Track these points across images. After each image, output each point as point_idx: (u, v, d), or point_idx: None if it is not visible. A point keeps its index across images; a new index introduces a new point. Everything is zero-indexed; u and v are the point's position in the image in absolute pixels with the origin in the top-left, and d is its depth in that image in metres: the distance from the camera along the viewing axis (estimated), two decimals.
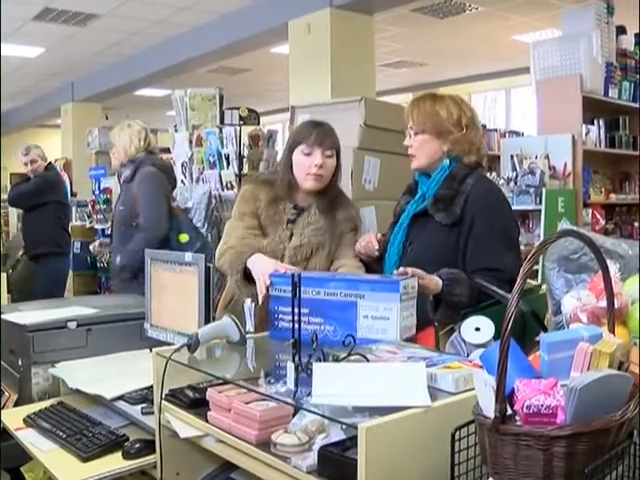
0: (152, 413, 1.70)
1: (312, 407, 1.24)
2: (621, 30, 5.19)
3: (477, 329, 1.63)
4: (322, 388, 1.24)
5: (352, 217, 2.35)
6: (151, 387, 1.73)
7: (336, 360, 1.40)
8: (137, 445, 1.74)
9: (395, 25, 7.62)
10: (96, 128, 7.86)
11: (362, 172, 2.95)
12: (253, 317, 1.93)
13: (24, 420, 2.00)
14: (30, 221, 5.35)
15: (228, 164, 4.63)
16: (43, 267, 5.22)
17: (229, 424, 1.40)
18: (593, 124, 5.03)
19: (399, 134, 2.23)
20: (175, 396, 1.59)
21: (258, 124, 4.89)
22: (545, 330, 1.67)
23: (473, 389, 1.10)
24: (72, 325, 2.31)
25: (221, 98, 5.04)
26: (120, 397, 1.92)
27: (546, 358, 1.07)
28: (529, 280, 2.14)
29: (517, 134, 7.80)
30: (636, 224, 5.37)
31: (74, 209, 6.51)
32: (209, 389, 1.50)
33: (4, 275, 5.61)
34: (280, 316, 1.82)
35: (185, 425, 1.53)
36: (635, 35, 5.34)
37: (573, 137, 4.72)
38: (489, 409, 1.00)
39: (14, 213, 8.75)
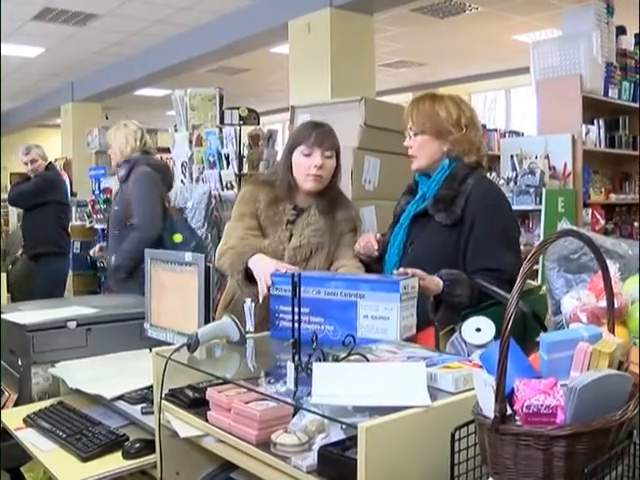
0: (152, 413, 1.70)
1: (312, 407, 1.24)
2: (621, 30, 5.20)
3: (478, 329, 1.63)
4: (322, 388, 1.25)
5: (352, 218, 2.35)
6: (151, 387, 1.73)
7: (336, 360, 1.40)
8: (137, 445, 1.74)
9: (395, 25, 7.63)
10: (96, 128, 7.87)
11: (362, 172, 2.95)
12: (253, 317, 1.93)
13: (24, 420, 2.00)
14: (30, 221, 5.35)
15: (228, 164, 4.63)
16: (43, 267, 5.22)
17: (229, 424, 1.40)
18: (593, 124, 5.04)
19: (399, 134, 2.23)
20: (175, 396, 1.59)
21: (258, 124, 4.89)
22: (545, 331, 1.67)
23: (473, 389, 1.10)
24: (72, 325, 2.31)
25: (221, 98, 5.04)
26: (120, 397, 1.92)
27: (546, 358, 1.07)
28: (529, 281, 2.14)
29: (517, 134, 7.80)
30: (636, 224, 5.37)
31: (74, 209, 6.52)
32: (209, 389, 1.50)
33: (4, 275, 5.62)
34: (281, 315, 1.82)
35: (185, 425, 1.53)
36: (635, 35, 5.35)
37: (573, 137, 4.72)
38: (489, 409, 1.00)
39: (14, 213, 8.76)
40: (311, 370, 1.30)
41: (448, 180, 2.06)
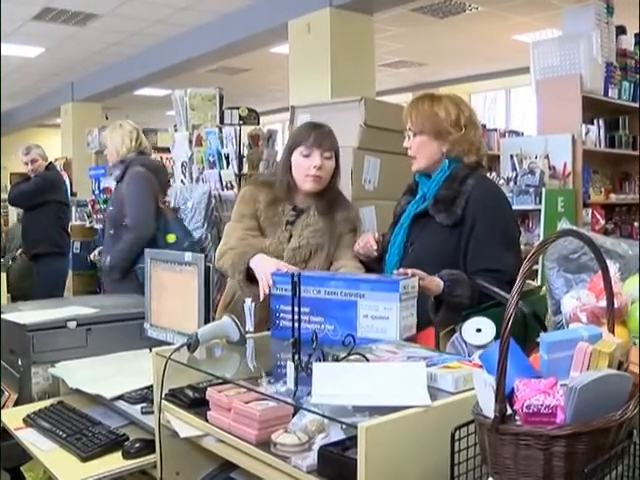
0: (152, 413, 1.70)
1: (312, 407, 1.24)
2: (621, 30, 5.19)
3: (478, 330, 1.63)
4: (322, 388, 1.25)
5: (351, 218, 2.35)
6: (151, 387, 1.73)
7: (336, 360, 1.40)
8: (137, 445, 1.74)
9: (395, 25, 7.62)
10: (96, 128, 7.85)
11: (362, 172, 2.95)
12: (253, 317, 1.93)
13: (24, 420, 2.00)
14: (30, 220, 5.35)
15: (228, 164, 4.63)
16: (43, 267, 5.22)
17: (229, 424, 1.40)
18: (593, 124, 5.03)
19: (399, 134, 2.23)
20: (175, 396, 1.59)
21: (258, 124, 4.89)
22: (546, 332, 1.67)
23: (473, 389, 1.10)
24: (72, 325, 2.31)
25: (221, 98, 5.04)
26: (120, 397, 1.93)
27: (546, 358, 1.07)
28: (530, 282, 2.14)
29: (517, 134, 7.81)
30: (636, 224, 5.37)
31: (74, 209, 6.52)
32: (209, 389, 1.50)
33: (4, 274, 5.62)
34: (281, 315, 1.83)
35: (185, 425, 1.53)
36: (635, 35, 5.34)
37: (573, 137, 4.72)
38: (489, 409, 1.00)
39: (14, 213, 8.75)
40: (311, 370, 1.30)
41: (448, 180, 2.06)
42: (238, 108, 4.71)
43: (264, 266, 2.02)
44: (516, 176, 4.70)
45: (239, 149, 4.61)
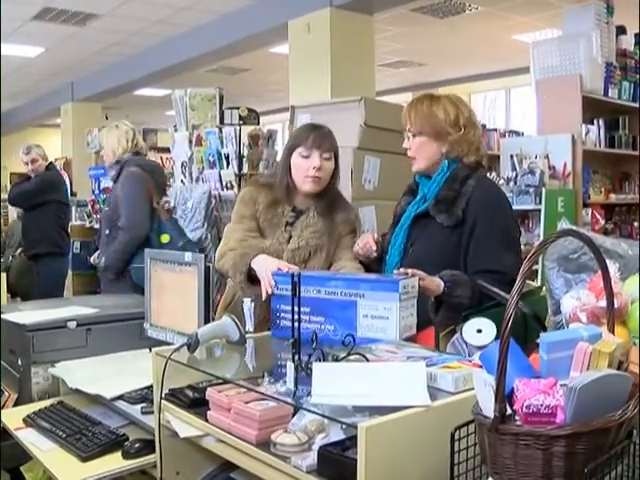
0: (152, 413, 1.70)
1: (312, 407, 1.24)
2: (621, 30, 5.19)
3: (479, 331, 1.63)
4: (322, 388, 1.25)
5: (350, 219, 2.35)
6: (151, 387, 1.73)
7: (336, 360, 1.40)
8: (137, 445, 1.74)
9: (395, 25, 7.62)
10: (96, 128, 7.85)
11: (362, 172, 2.95)
12: (253, 317, 1.94)
13: (24, 420, 2.00)
14: (30, 220, 5.35)
15: (228, 164, 4.63)
16: (42, 267, 5.22)
17: (229, 424, 1.40)
18: (593, 124, 5.03)
19: (399, 134, 2.23)
20: (175, 396, 1.59)
21: (258, 124, 4.90)
22: (546, 332, 1.67)
23: (473, 389, 1.10)
24: (72, 325, 2.31)
25: (221, 98, 5.04)
26: (120, 397, 1.93)
27: (545, 358, 1.07)
28: (530, 282, 2.14)
29: (517, 134, 7.80)
30: (636, 224, 5.37)
31: (74, 209, 6.52)
32: (209, 389, 1.50)
33: (4, 275, 5.62)
34: (282, 314, 1.83)
35: (185, 425, 1.53)
36: (635, 35, 5.34)
37: (573, 137, 4.72)
38: (489, 409, 1.00)
39: (14, 212, 8.75)
40: (311, 370, 1.30)
41: (449, 181, 2.05)
42: (238, 108, 4.71)
43: (266, 266, 2.02)
44: (516, 176, 4.70)
45: (239, 149, 4.62)
